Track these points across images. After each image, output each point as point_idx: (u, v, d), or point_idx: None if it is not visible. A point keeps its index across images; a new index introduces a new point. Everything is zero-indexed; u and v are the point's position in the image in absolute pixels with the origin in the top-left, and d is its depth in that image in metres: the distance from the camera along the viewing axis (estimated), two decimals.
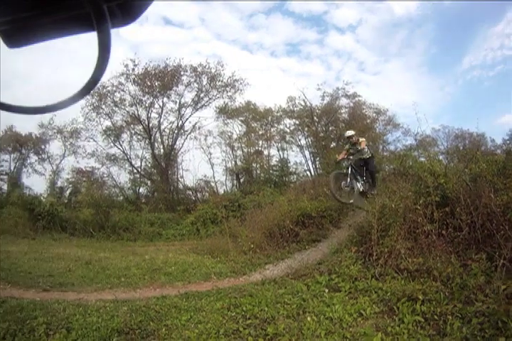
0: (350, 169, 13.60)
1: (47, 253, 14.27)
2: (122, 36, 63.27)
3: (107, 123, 36.79)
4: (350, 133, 14.72)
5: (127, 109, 36.44)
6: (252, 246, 13.38)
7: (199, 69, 35.97)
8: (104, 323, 6.43)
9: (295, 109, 38.94)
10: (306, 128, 38.28)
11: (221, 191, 36.03)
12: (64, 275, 10.64)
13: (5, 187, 35.76)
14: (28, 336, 5.94)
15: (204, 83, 36.54)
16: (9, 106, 0.90)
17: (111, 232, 24.09)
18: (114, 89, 35.26)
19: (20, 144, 36.84)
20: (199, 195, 35.60)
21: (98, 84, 0.92)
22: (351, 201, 13.66)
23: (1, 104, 0.89)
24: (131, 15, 0.93)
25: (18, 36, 0.93)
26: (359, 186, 13.81)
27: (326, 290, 7.88)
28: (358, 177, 13.96)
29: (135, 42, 65.60)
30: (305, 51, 59.48)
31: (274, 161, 39.51)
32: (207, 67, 35.93)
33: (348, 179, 13.48)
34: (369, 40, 57.75)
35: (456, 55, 56.92)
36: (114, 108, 36.13)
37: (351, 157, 13.93)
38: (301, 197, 17.54)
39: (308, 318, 6.27)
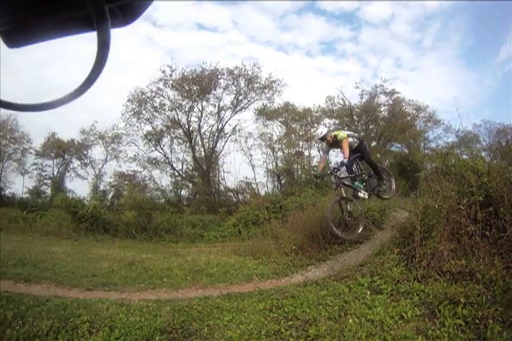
0: (343, 187, 11.58)
1: (90, 254, 14.49)
2: (158, 43, 64.30)
3: (148, 127, 37.39)
4: (323, 134, 12.20)
5: (167, 114, 37.01)
6: (293, 247, 13.30)
7: (236, 72, 36.25)
8: (146, 322, 6.52)
9: (334, 108, 38.98)
10: (346, 128, 37.84)
11: (262, 192, 36.17)
12: (107, 275, 10.79)
13: (49, 191, 37.20)
14: (71, 333, 6.08)
15: (242, 85, 36.77)
16: (9, 103, 0.91)
17: (153, 234, 24.39)
18: (154, 94, 35.88)
19: (62, 150, 38.22)
20: (240, 196, 35.82)
21: (99, 84, 0.94)
22: (358, 231, 11.78)
23: (1, 102, 0.90)
24: (131, 16, 0.94)
25: (18, 36, 0.94)
26: (363, 195, 11.78)
27: (368, 292, 7.80)
28: (358, 183, 11.89)
29: (171, 49, 67.63)
30: (340, 49, 60.08)
31: (315, 162, 39.28)
32: (243, 69, 36.18)
33: (348, 206, 11.58)
34: (403, 34, 57.31)
35: (492, 46, 56.25)
36: (154, 113, 36.80)
37: (339, 170, 11.36)
38: None
39: (350, 320, 6.24)
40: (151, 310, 7.29)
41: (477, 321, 5.70)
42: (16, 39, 0.94)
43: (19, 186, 38.59)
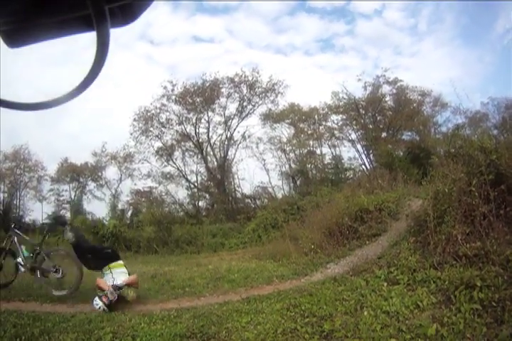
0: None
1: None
2: (158, 60, 64.86)
3: (158, 144, 37.90)
4: None
5: (175, 128, 37.55)
6: (312, 246, 13.36)
7: (236, 80, 36.70)
8: (167, 329, 6.59)
9: (340, 103, 38.83)
10: (353, 122, 38.12)
11: (279, 195, 36.19)
12: (129, 289, 10.82)
13: (68, 214, 37.22)
14: None
15: (244, 92, 37.24)
16: (9, 102, 0.92)
17: (174, 247, 24.53)
18: (158, 111, 36.61)
19: (77, 174, 39.24)
20: (258, 201, 36.00)
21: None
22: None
23: (0, 102, 0.91)
24: (131, 16, 0.94)
25: (19, 36, 0.95)
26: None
27: (385, 284, 7.77)
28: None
29: (171, 64, 68.12)
30: (338, 44, 60.18)
31: (327, 159, 39.28)
32: (243, 76, 36.62)
33: None
34: (397, 21, 57.18)
35: (487, 21, 54.86)
36: (162, 129, 37.37)
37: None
38: (357, 192, 17.39)
39: (365, 313, 6.21)
40: (172, 318, 7.36)
41: (494, 304, 5.59)
42: (16, 39, 0.95)
43: (38, 213, 39.03)
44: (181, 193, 38.51)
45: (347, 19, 62.40)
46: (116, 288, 8.78)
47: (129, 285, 9.09)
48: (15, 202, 38.80)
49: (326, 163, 39.52)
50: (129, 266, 16.37)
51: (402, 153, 31.87)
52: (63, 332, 6.74)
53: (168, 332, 6.46)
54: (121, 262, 9.85)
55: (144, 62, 58.55)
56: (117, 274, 9.36)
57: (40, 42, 0.98)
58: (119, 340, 6.31)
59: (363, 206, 14.47)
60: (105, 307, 8.38)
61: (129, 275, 9.52)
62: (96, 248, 11.82)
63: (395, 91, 38.23)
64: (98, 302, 8.49)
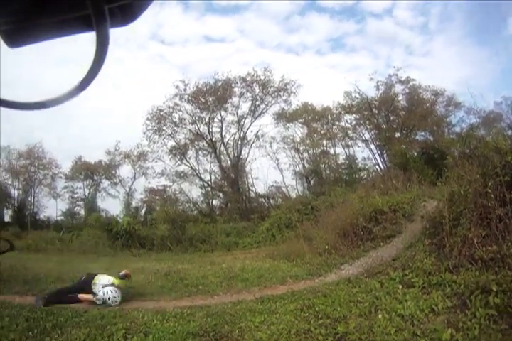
0: None
1: (127, 268, 14.43)
2: (170, 60, 65.02)
3: (171, 143, 37.95)
4: None
5: (189, 127, 37.56)
6: (326, 247, 13.32)
7: (248, 79, 36.61)
8: (180, 327, 6.61)
9: (352, 103, 38.47)
10: (367, 122, 37.89)
11: (293, 195, 36.09)
12: (144, 286, 10.96)
13: (82, 211, 38.56)
14: (106, 339, 6.22)
15: (257, 91, 37.11)
16: (9, 102, 0.91)
17: (188, 245, 24.57)
18: (171, 110, 36.60)
19: (91, 172, 39.86)
20: (272, 201, 35.97)
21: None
22: None
23: (1, 101, 0.89)
24: (131, 15, 0.93)
25: (19, 36, 0.94)
26: None
27: (400, 287, 7.72)
28: None
29: (183, 64, 68.37)
30: (349, 44, 60.57)
31: (341, 159, 39.10)
32: (255, 75, 36.47)
33: None
34: (407, 20, 57.11)
35: (499, 19, 54.27)
36: (175, 128, 37.43)
37: None
38: (372, 193, 17.31)
39: (380, 316, 6.18)
40: (185, 316, 7.40)
41: (510, 310, 5.50)
42: (16, 39, 0.95)
43: (53, 209, 39.89)
44: (195, 192, 38.80)
45: (357, 18, 62.24)
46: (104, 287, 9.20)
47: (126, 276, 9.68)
48: (29, 199, 39.54)
49: (339, 163, 39.45)
50: (142, 262, 16.72)
51: (415, 154, 31.59)
52: (75, 326, 6.82)
53: (180, 329, 6.49)
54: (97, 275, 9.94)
55: (156, 61, 58.66)
56: (100, 282, 9.51)
57: (40, 42, 0.97)
58: (132, 336, 6.33)
59: (378, 207, 14.37)
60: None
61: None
62: None
63: (407, 90, 37.88)
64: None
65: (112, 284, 9.25)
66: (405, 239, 11.61)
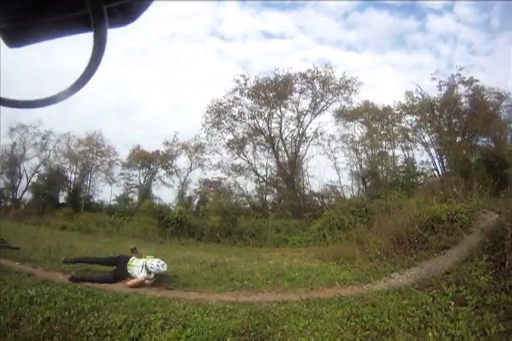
0: None
1: (174, 256, 14.74)
2: (229, 56, 65.65)
3: (230, 136, 38.45)
4: None
5: (247, 122, 37.84)
6: (378, 252, 12.98)
7: (309, 75, 36.50)
8: (221, 323, 6.45)
9: (414, 103, 37.48)
10: (428, 124, 36.77)
11: (347, 196, 35.78)
12: (188, 276, 10.89)
13: (136, 198, 39.62)
14: (143, 328, 6.10)
15: (317, 88, 36.99)
16: (8, 100, 0.91)
17: (237, 238, 24.76)
18: (231, 104, 37.03)
19: (148, 161, 40.74)
20: (325, 200, 35.58)
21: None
22: None
23: (0, 100, 0.90)
24: (131, 15, 0.93)
25: (19, 36, 0.95)
26: None
27: (452, 303, 7.28)
28: None
29: (242, 59, 70.53)
30: (410, 42, 58.30)
31: (399, 162, 38.28)
32: (316, 72, 36.31)
33: None
34: (469, 17, 54.64)
35: None
36: (234, 122, 37.88)
37: None
38: (430, 199, 16.80)
39: (430, 334, 5.85)
40: (227, 312, 7.23)
41: None
42: (16, 38, 0.95)
43: (107, 194, 41.32)
44: (249, 186, 38.84)
45: (417, 15, 60.92)
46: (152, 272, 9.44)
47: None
48: (85, 183, 41.29)
49: (397, 165, 38.51)
50: (190, 252, 16.83)
51: (476, 160, 30.53)
52: (114, 311, 6.77)
53: (221, 326, 6.32)
54: (132, 257, 10.24)
55: (216, 57, 59.96)
56: (137, 264, 9.78)
57: (39, 42, 0.98)
58: (170, 327, 6.20)
59: (435, 215, 13.79)
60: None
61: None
62: None
63: (470, 92, 35.97)
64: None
65: (146, 263, 9.50)
66: (461, 251, 11.12)
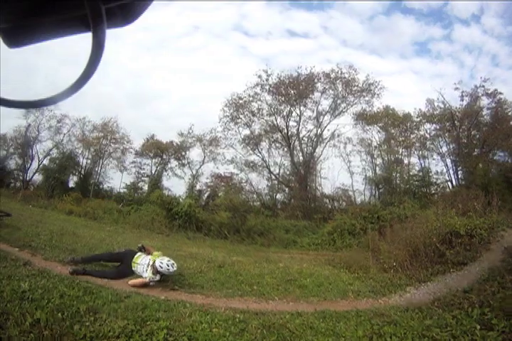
0: None
1: (180, 252, 14.49)
2: (252, 52, 65.90)
3: (246, 131, 38.29)
4: None
5: (265, 119, 37.60)
6: (394, 263, 12.52)
7: (332, 76, 36.21)
8: (231, 337, 5.87)
9: (434, 112, 36.92)
10: (446, 134, 36.19)
11: (358, 201, 35.51)
12: (194, 276, 10.39)
13: (145, 187, 39.50)
14: (144, 339, 5.46)
15: (339, 89, 36.68)
16: (7, 101, 0.89)
17: (245, 236, 24.48)
18: (251, 99, 36.82)
19: (161, 150, 40.53)
20: (336, 203, 35.14)
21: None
22: None
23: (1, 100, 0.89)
24: (130, 16, 0.93)
25: (18, 36, 0.95)
26: None
27: (478, 327, 6.72)
28: None
29: (265, 56, 71.40)
30: (434, 50, 58.57)
31: (414, 171, 37.66)
32: (339, 72, 36.05)
33: None
34: (495, 28, 53.53)
35: None
36: (252, 117, 37.65)
37: None
38: (449, 211, 16.25)
39: None
40: (237, 323, 6.61)
41: None
42: (16, 38, 0.96)
43: (117, 181, 41.37)
44: (261, 183, 38.54)
45: (443, 23, 59.67)
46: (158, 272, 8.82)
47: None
48: (96, 169, 41.21)
49: (411, 174, 37.74)
50: (196, 247, 16.46)
51: (495, 175, 30.00)
52: (112, 314, 6.12)
53: (232, 340, 5.76)
54: (138, 253, 9.73)
55: (238, 52, 60.25)
56: (142, 261, 9.31)
57: (39, 43, 0.99)
58: (174, 339, 5.58)
59: (454, 228, 13.27)
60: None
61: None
62: None
63: (493, 104, 35.22)
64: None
65: (154, 262, 8.90)
66: (481, 269, 10.62)
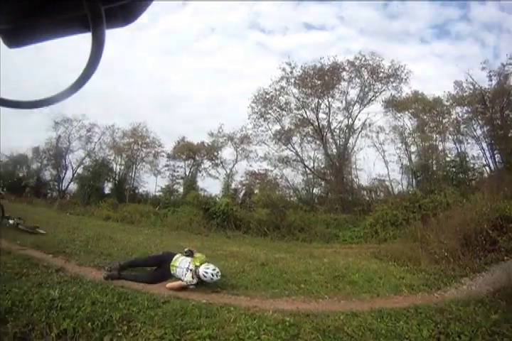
0: None
1: (220, 251, 14.19)
2: (271, 48, 66.15)
3: (276, 127, 38.01)
4: None
5: (294, 113, 37.33)
6: (445, 254, 11.87)
7: (356, 63, 35.72)
8: None
9: (464, 94, 35.56)
10: (479, 116, 34.79)
11: (395, 191, 34.75)
12: (237, 276, 9.91)
13: (181, 189, 40.07)
14: None
15: (365, 77, 36.10)
16: (6, 101, 0.90)
17: (286, 232, 24.16)
18: (278, 93, 36.57)
19: (193, 152, 40.91)
20: (373, 195, 34.67)
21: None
22: None
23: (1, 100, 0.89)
24: (130, 16, 0.93)
25: (18, 36, 0.95)
26: None
27: None
28: None
29: (284, 51, 70.61)
30: (453, 31, 56.88)
31: (450, 156, 36.49)
32: (363, 59, 35.51)
33: None
34: None
35: None
36: (281, 112, 37.39)
37: None
38: (496, 195, 15.50)
39: None
40: (288, 327, 5.99)
41: None
42: (16, 39, 0.95)
43: (152, 185, 41.78)
44: (296, 179, 38.28)
45: (459, 3, 58.07)
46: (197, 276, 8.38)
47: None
48: (130, 175, 42.05)
49: (447, 160, 36.30)
50: (236, 246, 16.15)
51: None
52: (148, 323, 5.65)
53: None
54: (177, 255, 9.28)
55: (257, 49, 59.93)
56: (180, 264, 8.88)
57: (39, 43, 0.99)
58: None
59: (505, 213, 12.57)
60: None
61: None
62: None
63: None
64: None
65: (195, 266, 8.49)
66: None
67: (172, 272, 8.78)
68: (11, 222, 14.10)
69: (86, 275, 8.23)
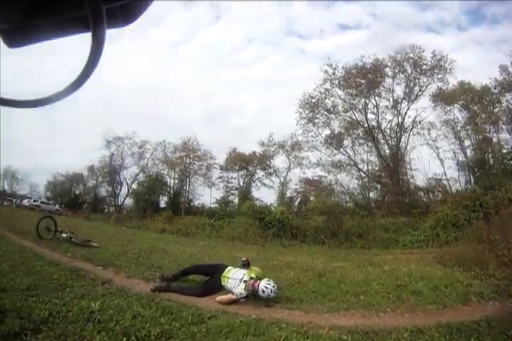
0: None
1: (275, 261, 13.93)
2: (310, 53, 66.60)
3: (326, 131, 37.96)
4: None
5: (342, 115, 37.29)
6: None
7: (398, 58, 35.33)
8: None
9: (511, 79, 34.04)
10: None
11: (453, 189, 33.87)
12: (292, 288, 9.39)
13: (236, 200, 41.20)
14: None
15: (409, 71, 35.63)
16: (6, 100, 0.88)
17: (343, 239, 23.81)
18: (323, 96, 36.63)
19: (245, 162, 42.18)
20: (431, 195, 33.76)
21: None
22: None
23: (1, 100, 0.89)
24: (130, 16, 0.92)
25: (18, 36, 0.94)
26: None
27: None
28: None
29: (323, 54, 72.59)
30: (488, 15, 56.19)
31: (506, 148, 34.75)
32: (404, 53, 35.13)
33: None
34: None
35: None
36: (328, 115, 37.36)
37: None
38: None
39: None
40: None
41: None
42: (16, 39, 0.94)
43: (207, 197, 43.22)
44: (351, 183, 38.00)
45: None
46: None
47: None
48: (185, 188, 43.75)
49: (504, 152, 34.64)
50: (293, 256, 15.79)
51: None
52: (189, 340, 5.27)
53: None
54: (229, 267, 8.96)
55: (296, 56, 63.39)
56: (233, 276, 8.54)
57: (39, 43, 0.97)
58: None
59: None
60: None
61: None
62: None
63: None
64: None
65: (250, 278, 8.17)
66: None
67: (223, 283, 8.49)
68: (63, 235, 14.74)
69: (133, 288, 8.08)
